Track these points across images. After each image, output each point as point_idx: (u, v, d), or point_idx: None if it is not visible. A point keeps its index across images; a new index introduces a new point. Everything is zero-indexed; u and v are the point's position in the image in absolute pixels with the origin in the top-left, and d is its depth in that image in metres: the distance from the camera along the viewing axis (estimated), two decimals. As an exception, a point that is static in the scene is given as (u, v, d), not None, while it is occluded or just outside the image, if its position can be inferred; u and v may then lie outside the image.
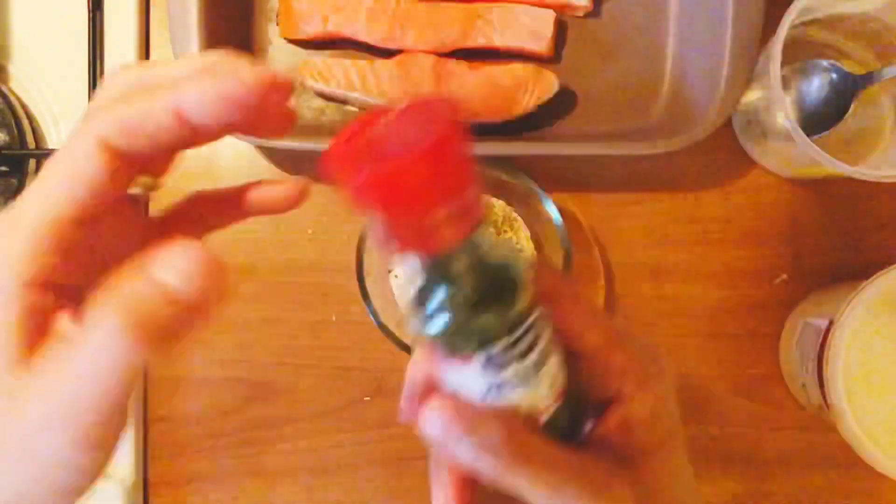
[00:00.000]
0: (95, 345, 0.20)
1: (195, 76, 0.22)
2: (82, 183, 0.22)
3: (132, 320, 0.20)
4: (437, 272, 0.24)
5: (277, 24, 0.54)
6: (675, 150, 0.50)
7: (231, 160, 0.55)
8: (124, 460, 0.54)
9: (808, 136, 0.45)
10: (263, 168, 0.55)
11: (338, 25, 0.53)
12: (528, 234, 0.53)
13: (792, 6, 0.45)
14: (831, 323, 0.46)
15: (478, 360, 0.25)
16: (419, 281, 0.25)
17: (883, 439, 0.45)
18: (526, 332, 0.25)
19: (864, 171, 0.45)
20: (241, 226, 0.55)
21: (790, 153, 0.50)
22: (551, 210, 0.50)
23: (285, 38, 0.54)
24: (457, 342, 0.25)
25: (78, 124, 0.23)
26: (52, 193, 0.22)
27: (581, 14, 0.54)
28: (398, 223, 0.23)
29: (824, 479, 0.55)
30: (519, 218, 0.53)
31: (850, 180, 0.46)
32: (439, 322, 0.24)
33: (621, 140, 0.53)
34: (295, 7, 0.53)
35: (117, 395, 0.21)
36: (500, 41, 0.53)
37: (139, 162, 0.23)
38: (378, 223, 0.22)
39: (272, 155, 0.55)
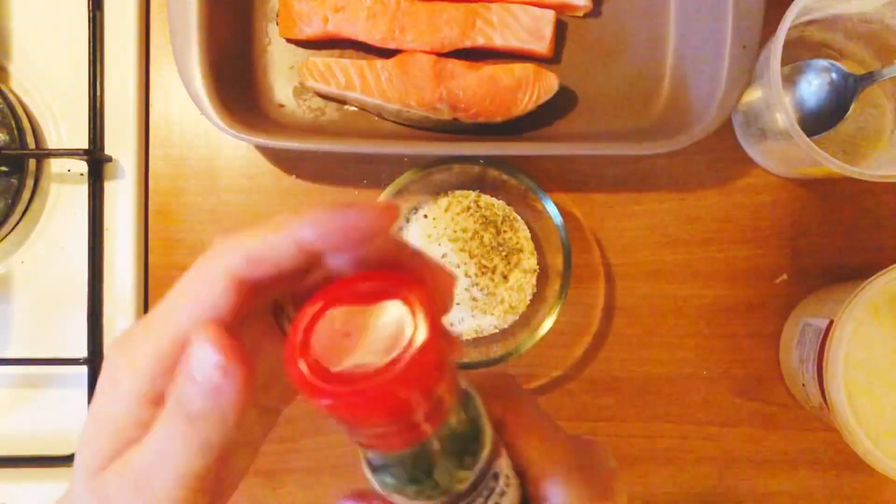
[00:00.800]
0: (161, 444, 0.22)
1: (311, 214, 0.23)
2: (207, 309, 0.23)
3: (182, 417, 0.22)
4: (395, 462, 0.23)
5: (277, 24, 0.54)
6: (675, 150, 0.50)
7: (231, 160, 0.55)
8: (124, 460, 0.54)
9: (808, 136, 0.45)
10: (263, 168, 0.55)
11: (338, 25, 0.53)
12: (528, 234, 0.53)
13: (792, 6, 0.45)
14: (831, 323, 0.46)
15: None
16: (372, 458, 0.24)
17: (883, 439, 0.45)
18: (479, 489, 0.24)
19: (864, 171, 0.45)
20: (241, 226, 0.55)
21: (790, 153, 0.50)
22: (551, 210, 0.50)
23: (285, 38, 0.54)
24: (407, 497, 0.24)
25: (203, 255, 0.24)
26: (177, 316, 0.23)
27: (581, 14, 0.54)
28: (361, 433, 0.22)
29: (824, 479, 0.55)
30: (519, 218, 0.53)
31: (850, 180, 0.46)
32: (391, 484, 0.24)
33: (621, 140, 0.53)
34: (295, 7, 0.53)
35: (201, 469, 0.22)
36: (500, 41, 0.53)
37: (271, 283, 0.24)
38: (341, 425, 0.22)
39: (272, 155, 0.55)
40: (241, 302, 0.23)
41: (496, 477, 0.25)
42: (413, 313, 0.21)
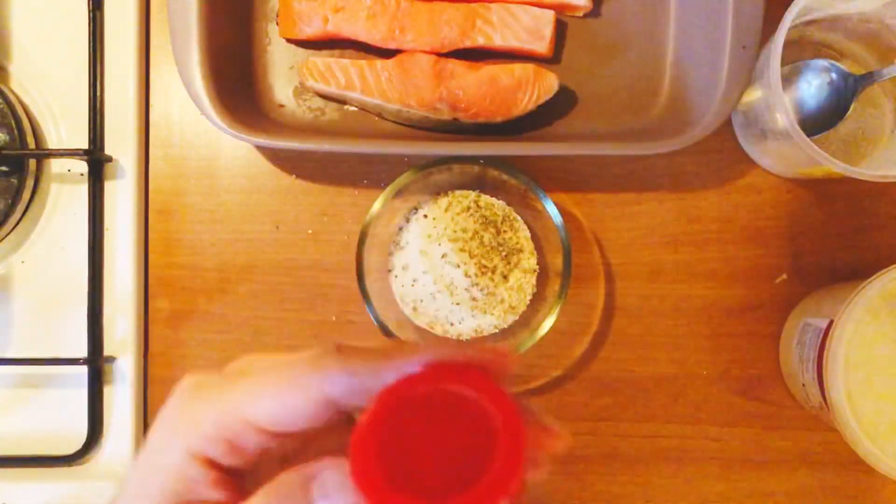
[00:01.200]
0: None
1: (426, 352, 0.21)
2: (289, 410, 0.22)
3: None
4: None
5: (277, 24, 0.54)
6: (675, 150, 0.50)
7: (231, 160, 0.55)
8: (124, 460, 0.54)
9: (808, 136, 0.45)
10: (263, 168, 0.55)
11: (338, 25, 0.53)
12: (528, 234, 0.53)
13: (792, 6, 0.45)
14: (831, 323, 0.46)
15: None
16: None
17: (883, 439, 0.45)
18: None
19: (864, 171, 0.45)
20: (241, 226, 0.55)
21: (790, 153, 0.50)
22: (551, 210, 0.50)
23: (285, 38, 0.54)
24: None
25: (310, 361, 0.22)
26: (262, 402, 0.22)
27: (581, 14, 0.54)
28: None
29: (824, 479, 0.55)
30: (519, 218, 0.53)
31: (850, 180, 0.46)
32: None
33: (621, 140, 0.53)
34: (295, 7, 0.53)
35: None
36: (500, 41, 0.53)
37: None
38: None
39: (272, 155, 0.55)
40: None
41: None
42: (493, 410, 0.18)
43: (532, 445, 0.21)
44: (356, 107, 0.54)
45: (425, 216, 0.53)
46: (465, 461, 0.18)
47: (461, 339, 0.53)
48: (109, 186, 0.55)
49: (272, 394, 0.22)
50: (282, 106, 0.55)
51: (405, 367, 0.20)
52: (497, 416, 0.18)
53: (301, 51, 0.55)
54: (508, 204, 0.54)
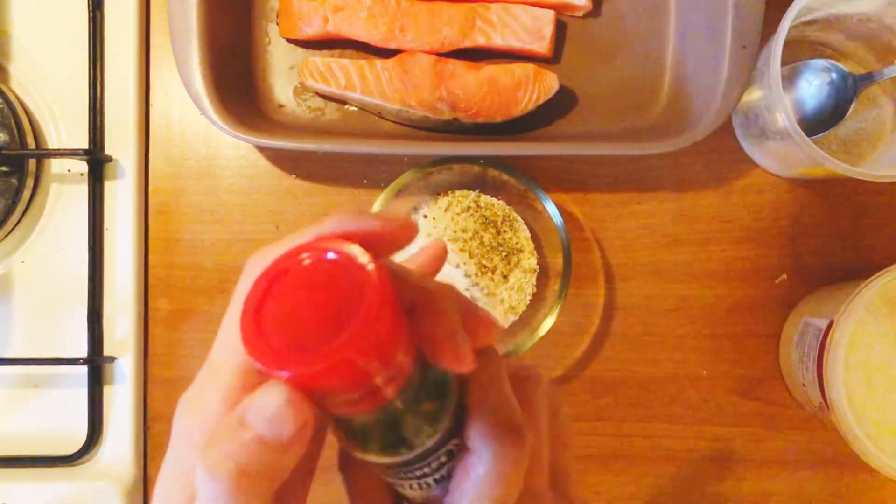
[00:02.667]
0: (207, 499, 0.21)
1: (334, 216, 0.23)
2: None
3: (235, 471, 0.21)
4: (360, 424, 0.24)
5: (277, 24, 0.54)
6: (675, 150, 0.50)
7: (231, 160, 0.55)
8: (124, 460, 0.54)
9: (808, 136, 0.45)
10: (263, 168, 0.55)
11: (338, 25, 0.53)
12: (528, 234, 0.53)
13: (792, 6, 0.45)
14: (831, 323, 0.46)
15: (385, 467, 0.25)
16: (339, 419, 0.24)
17: (883, 439, 0.45)
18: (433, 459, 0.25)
19: (864, 171, 0.45)
20: (242, 226, 0.55)
21: (790, 153, 0.50)
22: (551, 210, 0.50)
23: (285, 38, 0.54)
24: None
25: (241, 278, 0.24)
26: (232, 348, 0.23)
27: (581, 14, 0.54)
28: (321, 402, 0.22)
29: (824, 479, 0.55)
30: (519, 218, 0.53)
31: (850, 180, 0.46)
32: (356, 443, 0.24)
33: (621, 140, 0.53)
34: (295, 7, 0.53)
35: None
36: (500, 41, 0.53)
37: None
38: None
39: (272, 155, 0.55)
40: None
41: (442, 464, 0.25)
42: (361, 276, 0.21)
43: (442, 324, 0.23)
44: (356, 107, 0.54)
45: (425, 216, 0.53)
46: (338, 322, 0.20)
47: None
48: (109, 186, 0.55)
49: (228, 356, 0.23)
50: (282, 106, 0.55)
51: (322, 230, 0.22)
52: (362, 279, 0.21)
53: (301, 51, 0.55)
54: (508, 204, 0.54)
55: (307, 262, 0.22)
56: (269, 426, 0.21)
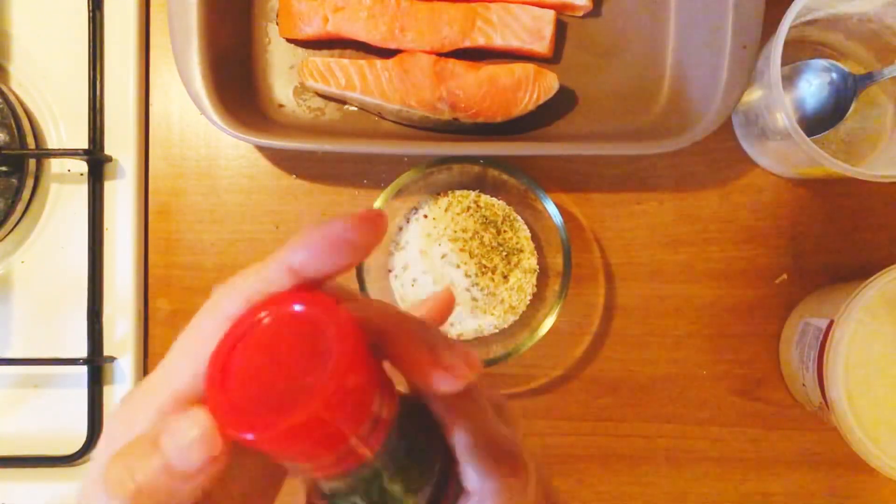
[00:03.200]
0: None
1: (297, 234, 0.22)
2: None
3: (134, 490, 0.21)
4: (342, 488, 0.23)
5: (277, 24, 0.54)
6: (675, 150, 0.50)
7: (231, 160, 0.55)
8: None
9: (808, 136, 0.45)
10: (263, 168, 0.55)
11: (338, 25, 0.53)
12: (528, 234, 0.53)
13: (792, 6, 0.45)
14: (831, 323, 0.46)
15: None
16: (320, 484, 0.23)
17: (883, 439, 0.45)
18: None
19: (864, 171, 0.45)
20: (242, 226, 0.55)
21: (790, 153, 0.50)
22: (551, 210, 0.50)
23: (285, 38, 0.54)
24: None
25: (204, 306, 0.23)
26: (178, 375, 0.23)
27: (581, 14, 0.54)
28: (296, 467, 0.21)
29: (824, 479, 0.55)
30: (519, 218, 0.53)
31: (850, 180, 0.46)
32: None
33: (621, 140, 0.53)
34: (295, 7, 0.53)
35: None
36: (500, 41, 0.53)
37: None
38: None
39: (272, 155, 0.55)
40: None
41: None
42: (330, 332, 0.20)
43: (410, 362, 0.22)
44: (356, 107, 0.54)
45: (425, 216, 0.53)
46: (306, 378, 0.19)
47: (461, 339, 0.53)
48: (109, 186, 0.55)
49: (183, 364, 0.23)
50: (282, 106, 0.55)
51: (281, 261, 0.22)
52: (330, 331, 0.20)
53: (301, 51, 0.55)
54: (508, 204, 0.54)
55: (271, 318, 0.21)
56: (180, 454, 0.20)
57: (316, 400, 0.19)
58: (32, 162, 0.54)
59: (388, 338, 0.23)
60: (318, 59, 0.53)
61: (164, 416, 0.22)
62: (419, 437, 0.23)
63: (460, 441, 0.24)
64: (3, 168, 0.52)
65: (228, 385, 0.20)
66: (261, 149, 0.55)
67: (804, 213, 0.55)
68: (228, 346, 0.21)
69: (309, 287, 0.22)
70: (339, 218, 0.22)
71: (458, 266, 0.51)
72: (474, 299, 0.52)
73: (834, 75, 0.51)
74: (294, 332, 0.20)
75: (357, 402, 0.20)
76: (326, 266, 0.22)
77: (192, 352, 0.23)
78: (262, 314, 0.21)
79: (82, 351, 0.53)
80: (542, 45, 0.53)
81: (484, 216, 0.52)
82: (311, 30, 0.53)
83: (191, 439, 0.20)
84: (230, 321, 0.22)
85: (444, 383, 0.22)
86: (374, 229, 0.22)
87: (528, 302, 0.53)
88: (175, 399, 0.22)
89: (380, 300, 0.25)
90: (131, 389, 0.24)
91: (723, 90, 0.49)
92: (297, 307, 0.21)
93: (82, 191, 0.54)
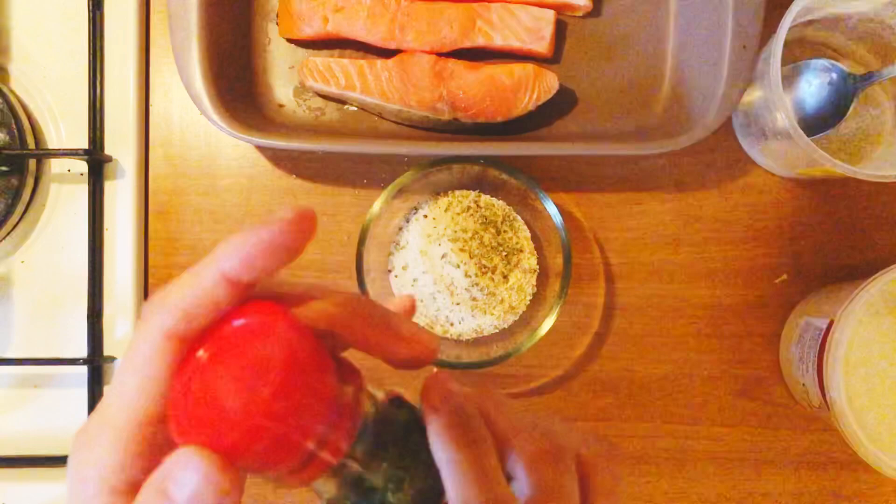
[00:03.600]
0: None
1: (227, 242, 0.23)
2: (157, 380, 0.22)
3: None
4: (332, 490, 0.23)
5: (277, 24, 0.54)
6: (675, 150, 0.50)
7: (231, 160, 0.55)
8: (124, 460, 0.54)
9: (808, 136, 0.45)
10: (263, 168, 0.55)
11: (338, 25, 0.53)
12: (528, 234, 0.53)
13: (792, 6, 0.45)
14: (831, 323, 0.46)
15: None
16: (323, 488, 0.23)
17: (883, 439, 0.45)
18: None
19: (864, 171, 0.45)
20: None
21: (790, 153, 0.50)
22: (551, 210, 0.50)
23: (285, 38, 0.54)
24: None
25: (137, 325, 0.23)
26: (130, 396, 0.23)
27: (581, 14, 0.54)
28: (268, 475, 0.21)
29: (824, 479, 0.55)
30: (519, 218, 0.53)
31: (850, 180, 0.46)
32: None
33: (621, 140, 0.53)
34: (295, 7, 0.53)
35: None
36: (500, 41, 0.53)
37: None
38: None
39: (272, 155, 0.55)
40: (184, 349, 0.22)
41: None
42: (271, 340, 0.20)
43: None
44: (356, 107, 0.54)
45: (425, 216, 0.53)
46: (252, 389, 0.20)
47: (461, 339, 0.53)
48: (109, 186, 0.55)
49: (130, 387, 0.23)
50: (282, 106, 0.55)
51: (213, 270, 0.22)
52: (270, 339, 0.20)
53: (301, 51, 0.55)
54: (508, 204, 0.54)
55: (220, 334, 0.21)
56: (192, 500, 0.20)
57: (257, 409, 0.19)
58: (32, 162, 0.54)
59: (345, 323, 0.23)
60: (318, 59, 0.53)
61: (125, 441, 0.22)
62: (409, 442, 0.23)
63: (436, 453, 0.24)
64: (3, 168, 0.52)
65: (187, 404, 0.20)
66: (261, 149, 0.55)
67: (804, 213, 0.55)
68: (184, 369, 0.21)
69: (248, 295, 0.22)
70: (270, 221, 0.22)
71: (458, 266, 0.51)
72: (474, 299, 0.52)
73: (834, 75, 0.51)
74: (241, 346, 0.21)
75: (304, 406, 0.20)
76: (260, 271, 0.22)
77: (137, 374, 0.22)
78: (211, 336, 0.21)
79: (82, 351, 0.53)
80: (542, 45, 0.53)
81: (484, 216, 0.52)
82: (310, 30, 0.53)
83: (198, 483, 0.20)
84: (174, 339, 0.22)
85: (404, 350, 0.23)
86: (304, 230, 0.22)
87: (528, 302, 0.53)
88: (132, 421, 0.22)
89: (331, 286, 0.25)
90: (82, 427, 0.24)
91: (723, 90, 0.49)
92: (238, 321, 0.21)
93: (82, 191, 0.54)
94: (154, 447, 0.23)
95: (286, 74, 0.55)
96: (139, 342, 0.23)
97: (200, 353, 0.21)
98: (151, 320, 0.22)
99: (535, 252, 0.53)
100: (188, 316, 0.22)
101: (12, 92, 0.54)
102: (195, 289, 0.22)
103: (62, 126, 0.55)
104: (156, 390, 0.22)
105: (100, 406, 0.23)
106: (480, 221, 0.52)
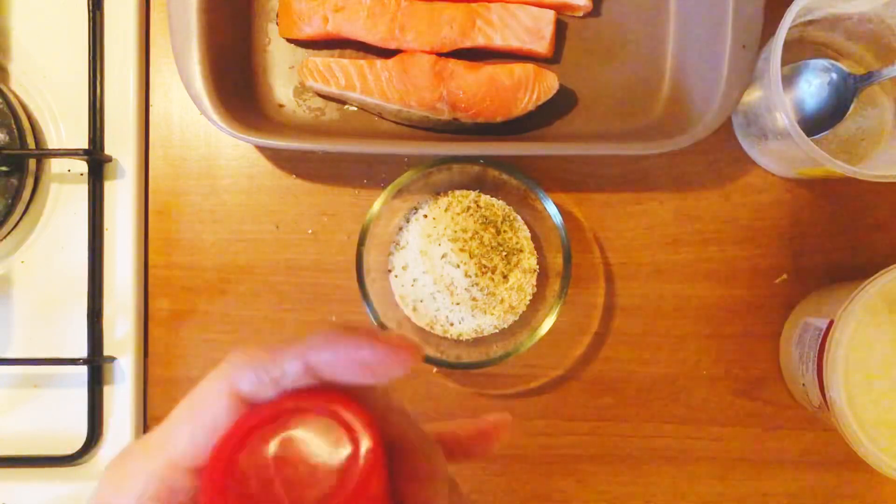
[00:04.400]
0: None
1: (323, 336, 0.22)
2: (210, 431, 0.22)
3: None
4: None
5: (277, 24, 0.54)
6: (675, 150, 0.50)
7: (231, 160, 0.55)
8: (124, 460, 0.54)
9: (808, 136, 0.45)
10: (263, 168, 0.55)
11: (338, 25, 0.53)
12: (528, 234, 0.53)
13: (792, 6, 0.45)
14: (831, 323, 0.46)
15: None
16: None
17: (883, 439, 0.45)
18: None
19: (864, 171, 0.45)
20: (242, 226, 0.55)
21: (790, 153, 0.50)
22: (551, 210, 0.50)
23: (285, 38, 0.54)
24: None
25: (217, 367, 0.23)
26: (178, 437, 0.22)
27: (581, 14, 0.54)
28: None
29: (824, 479, 0.55)
30: (519, 218, 0.53)
31: (850, 180, 0.46)
32: None
33: (621, 140, 0.53)
34: (295, 7, 0.53)
35: None
36: (500, 41, 0.53)
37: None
38: None
39: (272, 155, 0.55)
40: (246, 412, 0.22)
41: None
42: (348, 435, 0.18)
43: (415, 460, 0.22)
44: (356, 107, 0.54)
45: (425, 216, 0.53)
46: (315, 495, 0.18)
47: (461, 339, 0.53)
48: (109, 186, 0.55)
49: (183, 429, 0.22)
50: (282, 106, 0.55)
51: (301, 355, 0.21)
52: (352, 449, 0.18)
53: (301, 51, 0.55)
54: (508, 204, 0.54)
55: (286, 419, 0.19)
56: None
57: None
58: (32, 162, 0.54)
59: (399, 455, 0.22)
60: (318, 59, 0.53)
61: (158, 481, 0.22)
62: None
63: None
64: (3, 168, 0.52)
65: (228, 489, 0.19)
66: (261, 149, 0.55)
67: (804, 213, 0.55)
68: (234, 443, 0.19)
69: (333, 392, 0.20)
70: (371, 337, 0.21)
71: (458, 266, 0.51)
72: (474, 299, 0.52)
73: (834, 75, 0.51)
74: (308, 442, 0.19)
75: None
76: (343, 379, 0.21)
77: (193, 420, 0.22)
78: (278, 412, 0.20)
79: (82, 351, 0.53)
80: (542, 45, 0.53)
81: (484, 216, 0.52)
82: (310, 30, 0.53)
83: None
84: (236, 397, 0.22)
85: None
86: (400, 364, 0.22)
87: (528, 302, 0.53)
88: (170, 465, 0.22)
89: (402, 409, 0.24)
90: (124, 450, 0.24)
91: (723, 90, 0.49)
92: (319, 417, 0.19)
93: (82, 191, 0.54)
94: (175, 492, 0.22)
95: (286, 74, 0.55)
96: (206, 392, 0.22)
97: (262, 431, 0.19)
98: (227, 374, 0.22)
99: (535, 252, 0.53)
100: (262, 383, 0.22)
101: (12, 92, 0.54)
102: (276, 365, 0.22)
103: (62, 126, 0.55)
104: (205, 441, 0.22)
105: (143, 439, 0.23)
106: (480, 221, 0.52)
